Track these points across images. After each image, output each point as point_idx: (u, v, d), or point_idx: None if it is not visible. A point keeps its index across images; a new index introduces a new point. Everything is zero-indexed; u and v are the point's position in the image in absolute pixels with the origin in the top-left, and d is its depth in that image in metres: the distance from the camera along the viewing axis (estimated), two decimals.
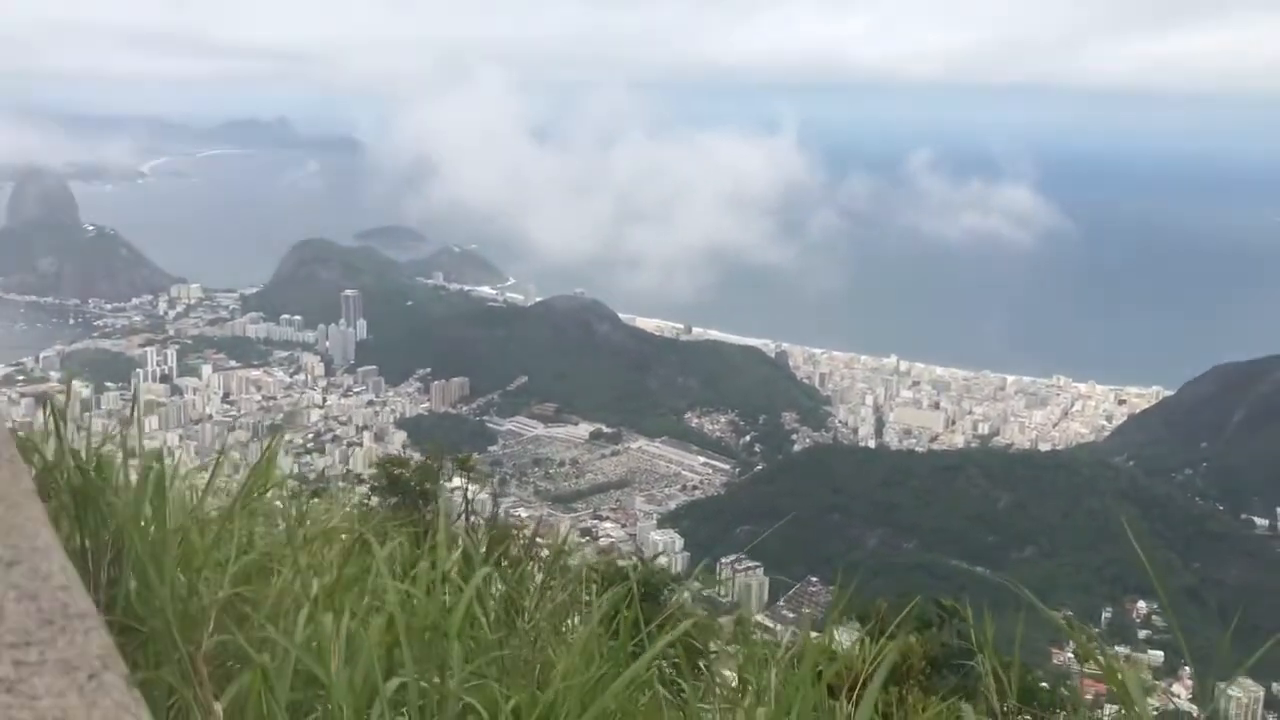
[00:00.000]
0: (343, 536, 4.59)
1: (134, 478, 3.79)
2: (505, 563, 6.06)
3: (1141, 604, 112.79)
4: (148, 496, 3.65)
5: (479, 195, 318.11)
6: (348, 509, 6.96)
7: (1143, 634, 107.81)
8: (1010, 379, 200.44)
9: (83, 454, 3.88)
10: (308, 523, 4.75)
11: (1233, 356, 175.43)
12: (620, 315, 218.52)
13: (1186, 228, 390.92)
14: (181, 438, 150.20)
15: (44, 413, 3.93)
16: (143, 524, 3.57)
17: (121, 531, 3.47)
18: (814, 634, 4.84)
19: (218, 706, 2.98)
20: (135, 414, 4.14)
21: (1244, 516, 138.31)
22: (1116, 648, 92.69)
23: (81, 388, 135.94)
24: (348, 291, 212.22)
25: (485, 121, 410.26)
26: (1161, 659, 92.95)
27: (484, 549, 6.18)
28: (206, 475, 4.67)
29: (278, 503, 5.27)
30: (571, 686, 3.39)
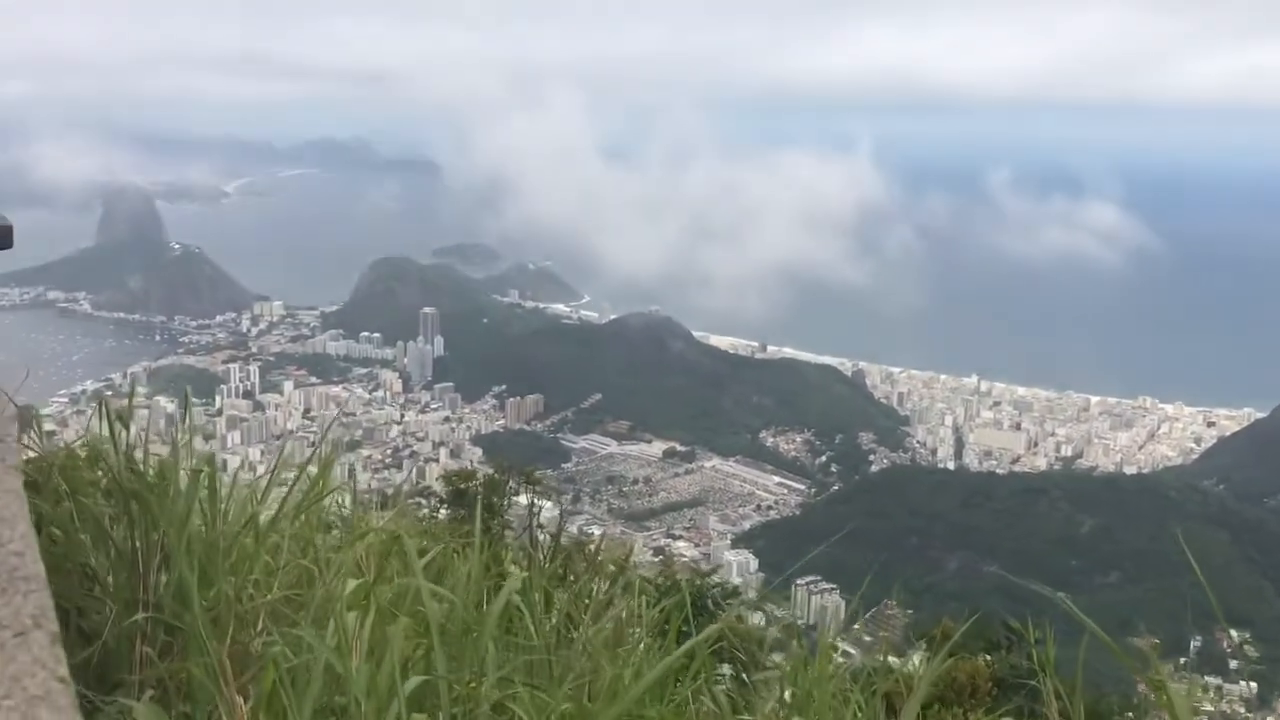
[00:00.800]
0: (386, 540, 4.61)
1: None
2: (570, 576, 6.05)
3: (1234, 633, 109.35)
4: (197, 499, 3.70)
5: (554, 213, 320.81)
6: (410, 520, 7.00)
7: (1234, 664, 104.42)
8: (1094, 400, 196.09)
9: (142, 460, 3.95)
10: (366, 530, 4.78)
11: None
12: (694, 333, 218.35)
13: (1279, 245, 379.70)
14: (263, 452, 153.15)
15: (104, 419, 4.00)
16: (195, 526, 3.62)
17: (169, 533, 3.52)
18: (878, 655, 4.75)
19: (241, 702, 3.03)
20: (187, 421, 4.20)
21: None
22: (1206, 678, 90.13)
23: (166, 403, 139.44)
24: (425, 309, 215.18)
25: (561, 140, 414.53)
26: (1255, 690, 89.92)
27: (548, 562, 6.18)
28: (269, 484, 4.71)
29: (337, 512, 5.31)
30: (614, 694, 3.38)
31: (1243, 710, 79.61)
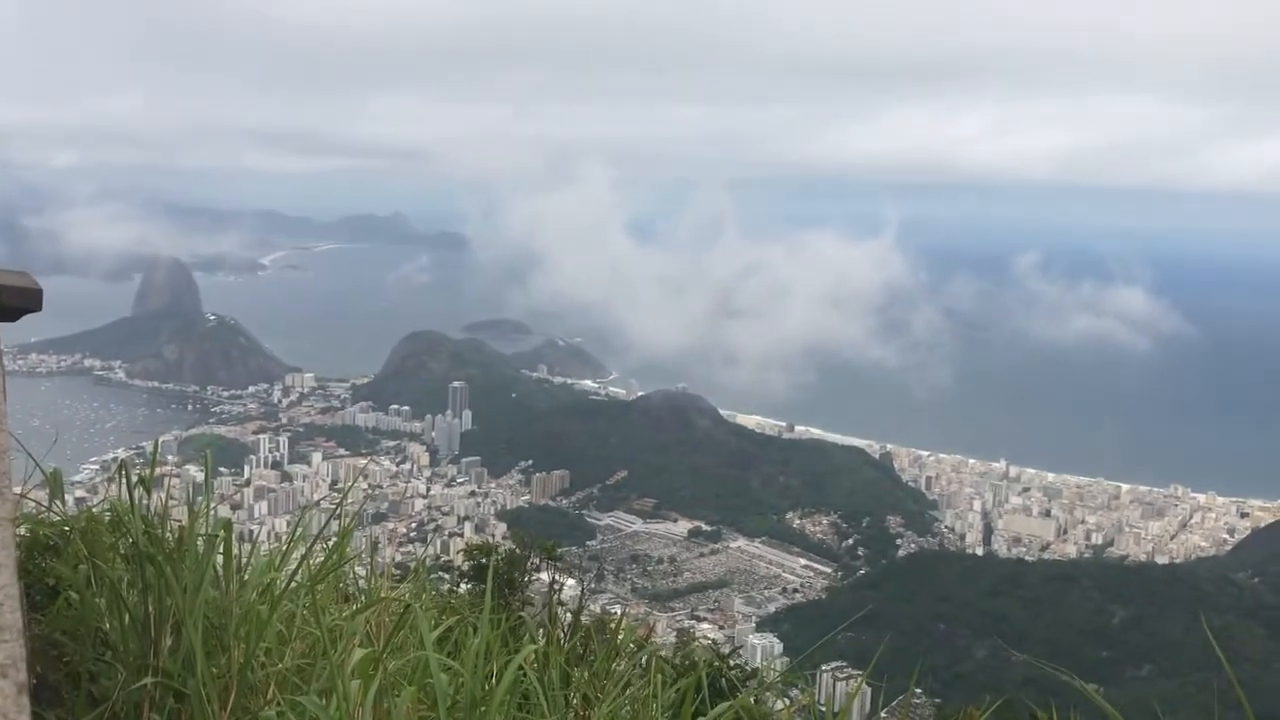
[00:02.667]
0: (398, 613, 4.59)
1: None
2: (589, 655, 5.99)
3: None
4: (212, 565, 3.71)
5: (581, 289, 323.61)
6: (429, 593, 6.96)
7: None
8: (1125, 488, 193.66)
9: (162, 526, 3.97)
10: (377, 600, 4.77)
11: None
12: (721, 411, 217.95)
13: None
14: (289, 523, 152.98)
15: (125, 484, 4.03)
16: (210, 593, 3.62)
17: (180, 599, 3.53)
18: None
19: None
20: (207, 485, 4.22)
21: None
22: None
23: (195, 472, 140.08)
24: (455, 383, 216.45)
25: (589, 217, 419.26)
26: None
27: (566, 640, 6.13)
28: (286, 553, 4.72)
29: (354, 584, 5.30)
30: None
31: None
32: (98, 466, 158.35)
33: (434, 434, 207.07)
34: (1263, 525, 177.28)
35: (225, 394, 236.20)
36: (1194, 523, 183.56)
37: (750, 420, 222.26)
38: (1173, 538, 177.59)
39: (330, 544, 4.69)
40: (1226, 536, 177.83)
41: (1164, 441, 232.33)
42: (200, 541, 3.79)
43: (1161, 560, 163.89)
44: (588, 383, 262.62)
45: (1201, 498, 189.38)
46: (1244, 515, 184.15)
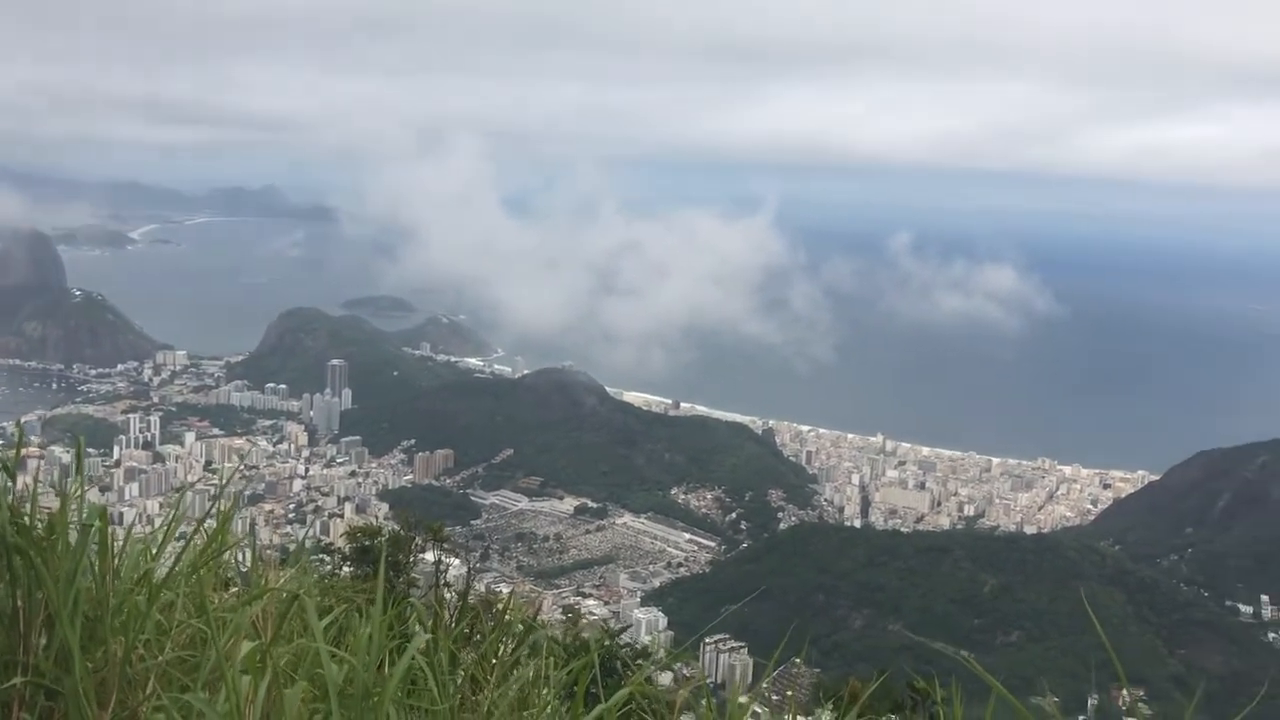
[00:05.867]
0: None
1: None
2: (476, 636, 5.92)
3: (1127, 692, 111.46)
4: (84, 556, 3.52)
5: (461, 266, 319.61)
6: (312, 577, 6.79)
7: None
8: (996, 461, 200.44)
9: (28, 514, 3.77)
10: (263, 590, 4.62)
11: (1217, 443, 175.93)
12: (608, 389, 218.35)
13: (1173, 315, 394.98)
14: (161, 505, 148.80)
15: None
16: (84, 584, 3.45)
17: (53, 591, 3.38)
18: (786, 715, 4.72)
19: None
20: (80, 473, 4.03)
21: (1228, 603, 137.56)
22: None
23: (61, 453, 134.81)
24: (334, 361, 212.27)
25: (468, 193, 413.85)
26: None
27: (453, 622, 6.05)
28: (165, 539, 4.54)
29: (235, 570, 5.15)
30: None
31: None
32: None
33: (312, 413, 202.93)
34: (1124, 495, 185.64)
35: (92, 372, 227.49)
36: (1060, 494, 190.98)
37: (636, 398, 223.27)
38: (1040, 509, 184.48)
39: (209, 528, 4.52)
40: (1090, 506, 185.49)
41: (1032, 416, 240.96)
42: (73, 530, 3.61)
43: (1030, 530, 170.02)
44: (472, 360, 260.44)
45: (1067, 470, 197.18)
46: (1106, 486, 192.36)
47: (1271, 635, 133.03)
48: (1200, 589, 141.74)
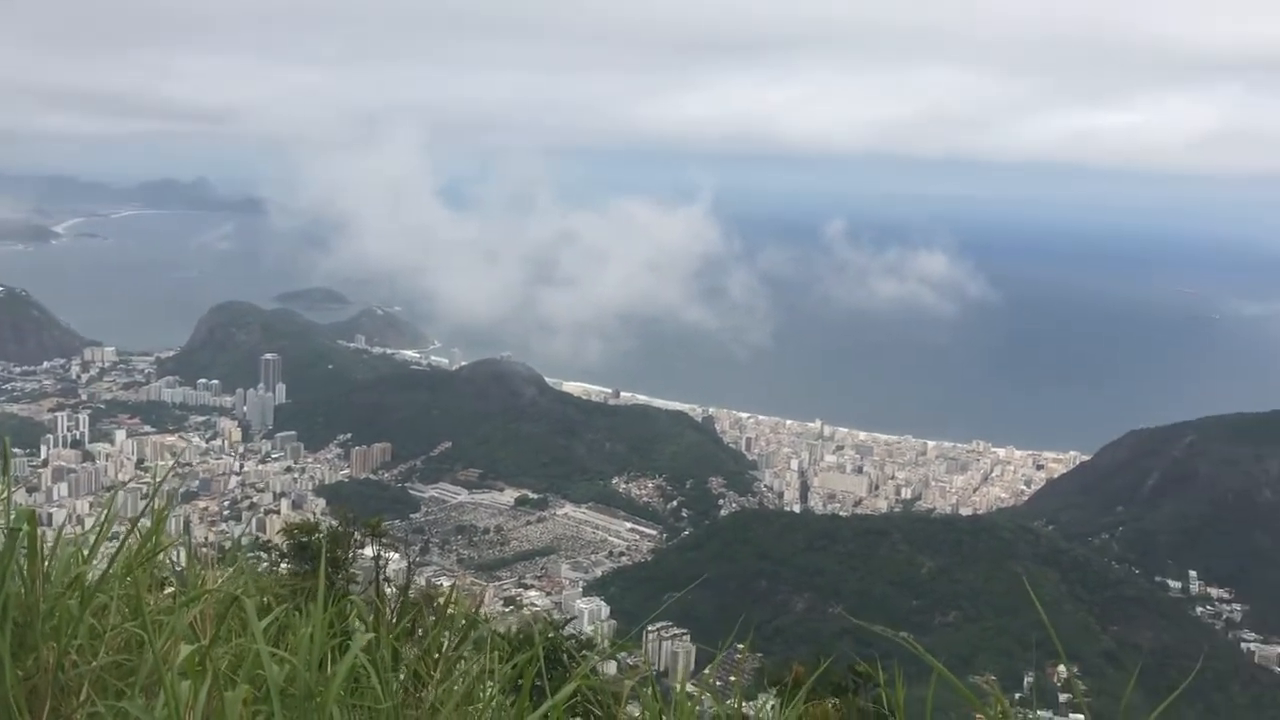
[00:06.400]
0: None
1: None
2: (419, 631, 5.86)
3: (1062, 669, 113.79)
4: (12, 560, 3.41)
5: (396, 257, 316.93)
6: (249, 576, 6.68)
7: (1064, 698, 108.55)
8: (931, 444, 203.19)
9: None
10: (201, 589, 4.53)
11: (1147, 423, 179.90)
12: (548, 379, 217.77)
13: (1104, 298, 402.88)
14: (91, 505, 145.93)
15: None
16: (13, 588, 3.35)
17: None
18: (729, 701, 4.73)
19: None
20: (5, 474, 3.91)
21: (1158, 579, 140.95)
22: (1040, 713, 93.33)
23: None
24: (267, 355, 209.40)
25: (402, 183, 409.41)
26: None
27: (395, 618, 5.98)
28: (97, 540, 4.43)
29: (171, 570, 5.04)
30: None
31: None
32: None
33: (246, 408, 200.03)
34: (1056, 476, 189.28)
35: (17, 370, 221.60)
36: (995, 476, 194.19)
37: (576, 388, 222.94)
38: (975, 490, 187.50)
39: (143, 528, 4.41)
40: (1024, 488, 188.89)
41: (966, 399, 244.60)
42: (0, 533, 3.51)
43: (965, 512, 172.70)
44: (409, 352, 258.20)
45: (1001, 452, 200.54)
46: (1039, 467, 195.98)
47: (1199, 609, 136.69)
48: (1131, 566, 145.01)
